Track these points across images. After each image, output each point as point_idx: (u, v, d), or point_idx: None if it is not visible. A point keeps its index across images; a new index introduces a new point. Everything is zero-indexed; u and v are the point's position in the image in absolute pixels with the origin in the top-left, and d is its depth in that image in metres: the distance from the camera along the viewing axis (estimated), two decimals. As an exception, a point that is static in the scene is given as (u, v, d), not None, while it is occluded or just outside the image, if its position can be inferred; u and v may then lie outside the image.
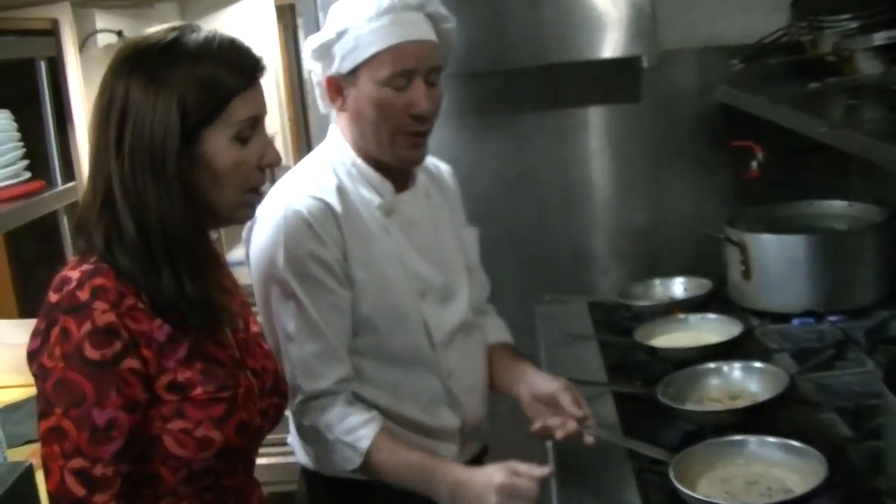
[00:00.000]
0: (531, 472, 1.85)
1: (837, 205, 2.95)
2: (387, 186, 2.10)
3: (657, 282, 2.94)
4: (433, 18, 2.09)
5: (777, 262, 2.71)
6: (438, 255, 2.17)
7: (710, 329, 2.56)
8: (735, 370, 2.25)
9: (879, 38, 2.57)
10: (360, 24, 2.02)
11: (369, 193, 2.09)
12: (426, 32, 2.06)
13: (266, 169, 1.73)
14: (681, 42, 3.08)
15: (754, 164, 2.86)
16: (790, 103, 2.56)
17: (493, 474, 1.86)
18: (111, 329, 1.58)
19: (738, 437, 1.91)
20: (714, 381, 2.25)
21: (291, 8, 5.58)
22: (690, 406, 2.19)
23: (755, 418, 2.06)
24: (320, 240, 1.99)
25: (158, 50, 1.63)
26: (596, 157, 3.24)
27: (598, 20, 3.03)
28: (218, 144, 1.65)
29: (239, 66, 1.67)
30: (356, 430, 1.99)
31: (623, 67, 3.11)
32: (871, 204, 2.87)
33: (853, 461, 1.93)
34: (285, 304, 2.00)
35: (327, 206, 2.01)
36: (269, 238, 2.00)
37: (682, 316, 2.63)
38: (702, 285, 2.86)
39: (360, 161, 2.09)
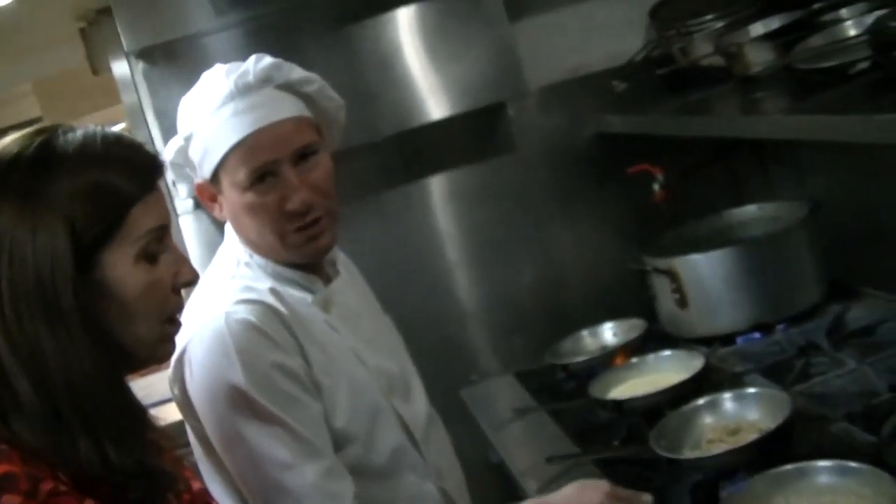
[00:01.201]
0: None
1: (748, 210, 2.78)
2: (313, 279, 1.80)
3: (585, 333, 2.69)
4: (289, 88, 1.79)
5: (713, 281, 2.50)
6: (386, 343, 1.88)
7: (667, 368, 2.33)
8: (726, 402, 2.01)
9: (756, 28, 2.48)
10: (204, 123, 1.72)
11: (298, 292, 1.77)
12: (280, 110, 1.76)
13: (182, 290, 1.41)
14: (545, 78, 2.88)
15: (657, 187, 2.67)
16: (693, 112, 2.41)
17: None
18: None
19: (779, 470, 1.65)
20: (707, 420, 2.01)
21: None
22: (690, 453, 1.93)
23: (769, 448, 1.82)
24: (278, 346, 1.67)
25: (27, 161, 1.28)
26: (477, 220, 2.98)
27: (456, 72, 2.79)
28: (122, 267, 1.31)
29: (133, 166, 1.34)
30: None
31: (489, 118, 2.89)
32: (782, 201, 2.72)
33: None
34: (266, 429, 1.64)
35: (271, 309, 1.69)
36: (216, 360, 1.65)
37: (634, 360, 2.39)
38: (633, 326, 2.63)
39: (271, 262, 1.77)
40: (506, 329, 2.98)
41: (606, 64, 2.85)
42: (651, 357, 2.38)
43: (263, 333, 1.65)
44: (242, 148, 1.71)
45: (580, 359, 2.58)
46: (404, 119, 2.82)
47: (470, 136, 2.94)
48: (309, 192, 1.75)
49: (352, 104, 2.64)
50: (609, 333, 2.68)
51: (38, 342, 1.25)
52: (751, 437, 1.88)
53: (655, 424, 2.12)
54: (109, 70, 2.85)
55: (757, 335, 2.52)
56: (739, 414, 1.99)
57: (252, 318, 1.65)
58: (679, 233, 2.78)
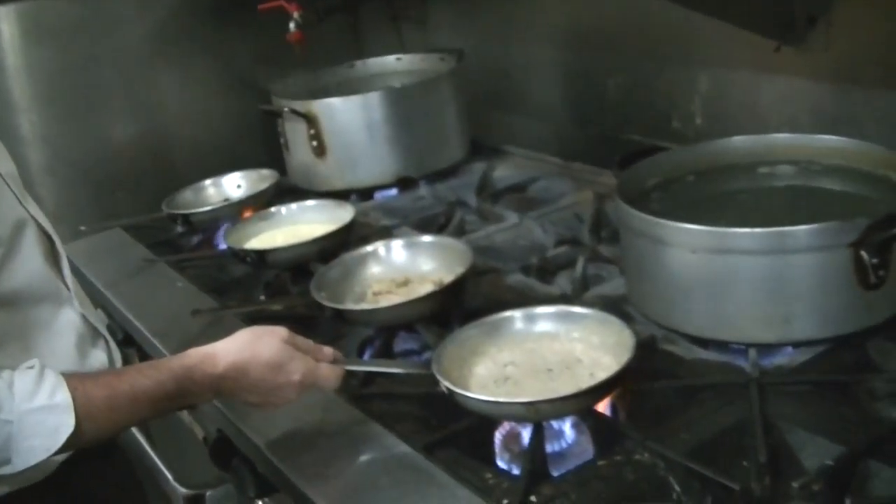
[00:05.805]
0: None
1: (386, 61, 2.58)
2: None
3: (207, 183, 2.36)
4: None
5: (355, 129, 2.28)
6: None
7: (309, 220, 2.08)
8: (394, 251, 1.81)
9: None
10: None
11: None
12: None
13: None
14: None
15: (293, 26, 2.39)
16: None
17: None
18: None
19: (496, 318, 1.44)
20: (373, 271, 1.79)
21: None
22: (355, 305, 1.71)
23: (445, 300, 1.64)
24: None
25: None
26: (59, 60, 2.51)
27: None
28: None
29: None
30: (39, 387, 1.20)
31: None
32: (422, 53, 2.55)
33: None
34: None
35: None
36: None
37: (272, 209, 2.12)
38: (262, 177, 2.34)
39: None
40: (105, 184, 2.58)
41: None
42: (293, 207, 2.12)
43: None
44: None
45: (203, 209, 2.27)
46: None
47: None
48: None
49: None
50: (233, 185, 2.38)
51: None
52: (423, 289, 1.69)
53: (301, 278, 1.91)
54: None
55: (394, 192, 2.35)
56: (412, 264, 1.79)
57: None
58: (311, 79, 2.54)
